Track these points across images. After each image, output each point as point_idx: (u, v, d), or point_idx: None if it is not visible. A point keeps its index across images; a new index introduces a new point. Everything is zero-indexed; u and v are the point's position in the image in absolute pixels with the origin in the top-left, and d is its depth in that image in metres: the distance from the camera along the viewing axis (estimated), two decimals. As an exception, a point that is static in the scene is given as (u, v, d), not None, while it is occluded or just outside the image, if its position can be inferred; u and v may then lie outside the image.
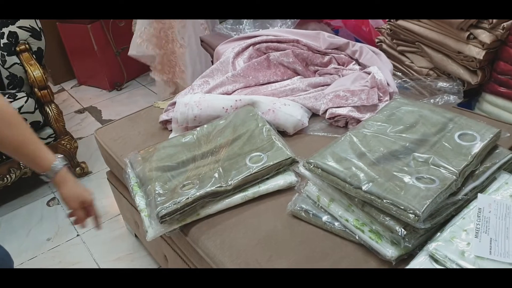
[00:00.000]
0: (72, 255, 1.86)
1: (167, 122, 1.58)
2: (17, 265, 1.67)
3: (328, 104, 1.42)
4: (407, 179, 0.91)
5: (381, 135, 1.07)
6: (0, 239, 1.97)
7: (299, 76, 1.59)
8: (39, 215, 2.11)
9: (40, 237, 1.96)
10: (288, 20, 1.74)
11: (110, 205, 2.09)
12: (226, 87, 1.56)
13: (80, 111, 3.03)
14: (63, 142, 2.20)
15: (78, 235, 1.95)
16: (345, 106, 1.39)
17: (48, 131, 2.15)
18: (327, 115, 1.42)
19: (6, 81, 2.16)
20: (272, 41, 1.64)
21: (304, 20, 1.77)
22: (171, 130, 1.55)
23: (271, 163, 1.17)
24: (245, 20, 1.75)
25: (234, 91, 1.56)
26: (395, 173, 0.94)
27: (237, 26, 1.76)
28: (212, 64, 1.85)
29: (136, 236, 1.87)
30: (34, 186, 2.28)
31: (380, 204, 0.87)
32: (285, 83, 1.54)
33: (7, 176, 2.09)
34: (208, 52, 1.83)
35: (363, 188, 0.91)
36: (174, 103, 1.60)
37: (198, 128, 1.37)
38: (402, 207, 0.84)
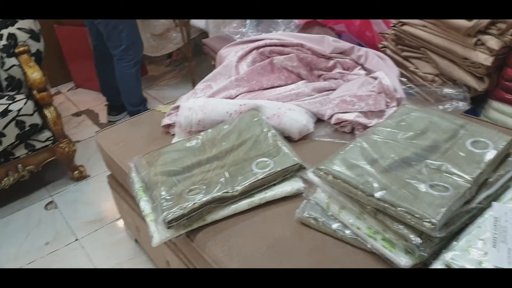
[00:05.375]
0: (71, 260, 1.83)
1: (169, 126, 1.56)
2: (15, 270, 1.64)
3: (334, 109, 1.40)
4: (420, 186, 0.90)
5: (391, 142, 1.06)
6: (-2, 243, 1.94)
7: (303, 81, 1.57)
8: (36, 219, 2.08)
9: (38, 241, 1.93)
10: (292, 23, 1.73)
11: (109, 209, 2.06)
12: (229, 92, 1.54)
13: (77, 114, 3.00)
14: (62, 145, 2.17)
15: (77, 240, 1.93)
16: (351, 112, 1.38)
17: (47, 133, 2.12)
18: (333, 121, 1.40)
19: (4, 83, 2.14)
20: (276, 45, 1.62)
21: (308, 24, 1.76)
22: (174, 135, 1.53)
23: (278, 169, 1.15)
24: (248, 23, 1.74)
25: (238, 95, 1.55)
26: (408, 180, 0.92)
27: (240, 29, 1.75)
28: (215, 68, 1.84)
29: (136, 241, 1.85)
30: (31, 189, 2.25)
31: (394, 212, 0.86)
32: (290, 88, 1.52)
33: (5, 179, 2.06)
34: (210, 56, 1.81)
35: (376, 195, 0.90)
36: (177, 107, 1.58)
37: (202, 133, 1.35)
38: (418, 216, 0.82)
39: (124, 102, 2.67)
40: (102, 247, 1.87)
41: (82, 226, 1.99)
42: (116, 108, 2.81)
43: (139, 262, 1.77)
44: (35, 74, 2.03)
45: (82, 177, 2.30)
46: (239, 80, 1.55)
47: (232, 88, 1.55)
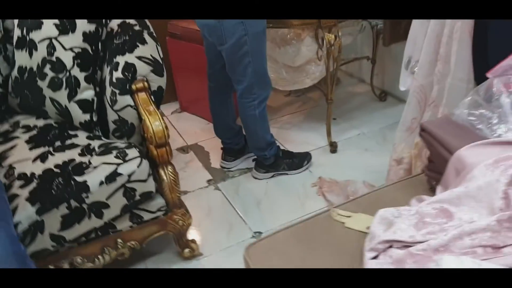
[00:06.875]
0: None
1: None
2: None
3: None
4: None
5: None
6: None
7: None
8: (132, 315, 1.54)
9: None
10: None
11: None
12: (493, 238, 0.90)
13: (183, 149, 2.47)
14: (175, 217, 1.63)
15: None
16: None
17: (159, 201, 1.59)
18: None
19: (112, 126, 1.62)
20: None
21: None
22: None
23: None
24: (504, 105, 1.07)
25: (506, 246, 0.90)
26: None
27: (487, 113, 1.09)
28: (430, 169, 1.21)
29: None
30: (128, 265, 1.73)
31: None
32: None
33: (99, 256, 1.55)
34: (430, 149, 1.17)
35: None
36: (388, 243, 0.97)
37: None
38: None
39: (248, 144, 2.15)
40: None
41: None
42: (233, 152, 2.25)
43: None
44: (156, 123, 1.49)
45: (193, 256, 1.75)
46: (512, 220, 0.90)
47: (499, 230, 0.90)
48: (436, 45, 1.58)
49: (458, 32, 1.48)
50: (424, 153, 1.81)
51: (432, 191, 1.25)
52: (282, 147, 2.25)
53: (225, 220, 1.94)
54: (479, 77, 1.60)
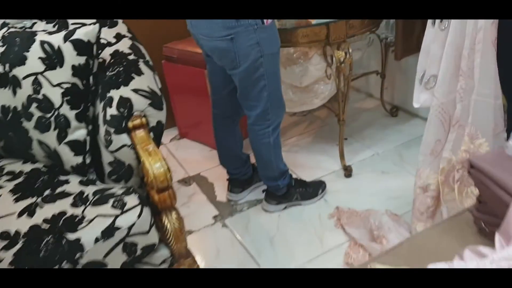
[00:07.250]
0: None
1: None
2: None
3: None
4: None
5: None
6: None
7: None
8: None
9: None
10: None
11: None
12: None
13: (185, 181, 2.29)
14: (182, 268, 1.45)
15: None
16: None
17: (163, 252, 1.40)
18: None
19: (108, 169, 1.44)
20: None
21: None
22: None
23: None
24: None
25: None
26: None
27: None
28: (480, 211, 1.03)
29: None
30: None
31: None
32: None
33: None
34: (481, 188, 1.00)
35: None
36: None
37: None
38: None
39: (260, 174, 1.98)
40: None
41: None
42: (240, 183, 2.08)
43: None
44: (157, 165, 1.31)
45: (204, 308, 1.56)
46: None
47: None
48: (457, 59, 1.42)
49: (480, 43, 1.32)
50: (451, 178, 1.64)
51: (481, 234, 1.08)
52: (292, 174, 2.08)
53: (236, 263, 1.76)
54: (510, 92, 1.45)
